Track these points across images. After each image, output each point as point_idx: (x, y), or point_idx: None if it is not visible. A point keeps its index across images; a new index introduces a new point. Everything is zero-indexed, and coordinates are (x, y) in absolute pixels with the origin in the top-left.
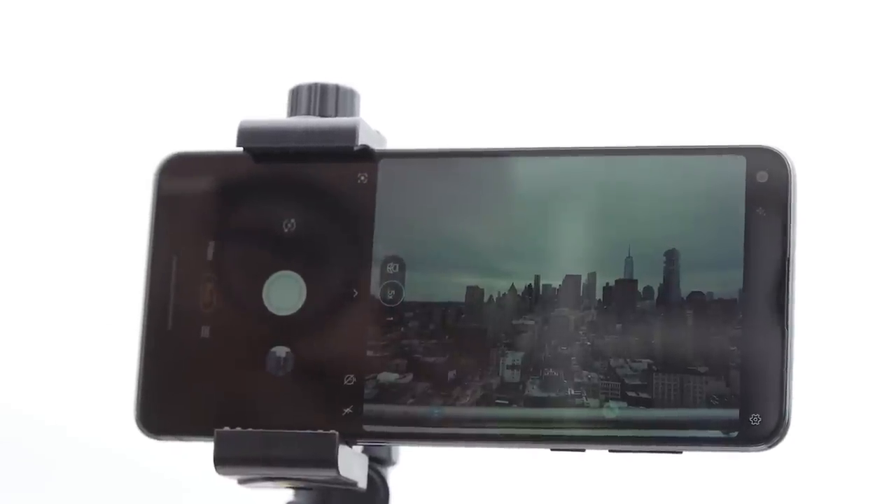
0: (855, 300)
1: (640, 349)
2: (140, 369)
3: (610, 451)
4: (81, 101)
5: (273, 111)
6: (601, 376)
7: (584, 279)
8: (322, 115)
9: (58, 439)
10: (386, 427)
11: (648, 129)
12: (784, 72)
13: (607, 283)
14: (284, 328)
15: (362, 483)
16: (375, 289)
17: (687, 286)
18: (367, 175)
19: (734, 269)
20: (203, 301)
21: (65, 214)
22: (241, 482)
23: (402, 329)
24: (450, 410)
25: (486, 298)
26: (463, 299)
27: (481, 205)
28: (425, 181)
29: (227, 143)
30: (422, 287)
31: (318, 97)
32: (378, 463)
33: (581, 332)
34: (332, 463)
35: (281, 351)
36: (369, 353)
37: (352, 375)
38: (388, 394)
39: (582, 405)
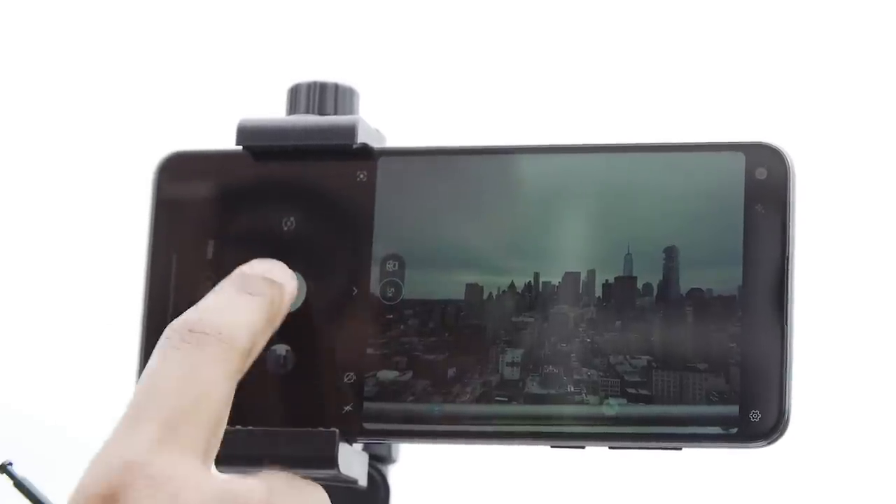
0: (854, 297)
1: (640, 346)
2: (140, 369)
3: (610, 447)
4: (81, 100)
5: (272, 110)
6: (601, 373)
7: (583, 276)
8: (321, 113)
9: (58, 439)
10: (386, 425)
11: (648, 126)
12: (783, 69)
13: (607, 281)
14: (284, 326)
15: (363, 481)
16: (375, 287)
17: (686, 283)
18: (366, 173)
19: (733, 266)
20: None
21: (64, 214)
22: None
23: (402, 327)
24: (450, 408)
25: (485, 296)
26: (462, 297)
27: (481, 202)
28: (425, 179)
29: (227, 141)
30: (421, 285)
31: (318, 96)
32: (378, 461)
33: (580, 330)
34: (333, 461)
35: (281, 349)
36: (369, 350)
37: (352, 373)
38: (388, 391)
39: (582, 402)
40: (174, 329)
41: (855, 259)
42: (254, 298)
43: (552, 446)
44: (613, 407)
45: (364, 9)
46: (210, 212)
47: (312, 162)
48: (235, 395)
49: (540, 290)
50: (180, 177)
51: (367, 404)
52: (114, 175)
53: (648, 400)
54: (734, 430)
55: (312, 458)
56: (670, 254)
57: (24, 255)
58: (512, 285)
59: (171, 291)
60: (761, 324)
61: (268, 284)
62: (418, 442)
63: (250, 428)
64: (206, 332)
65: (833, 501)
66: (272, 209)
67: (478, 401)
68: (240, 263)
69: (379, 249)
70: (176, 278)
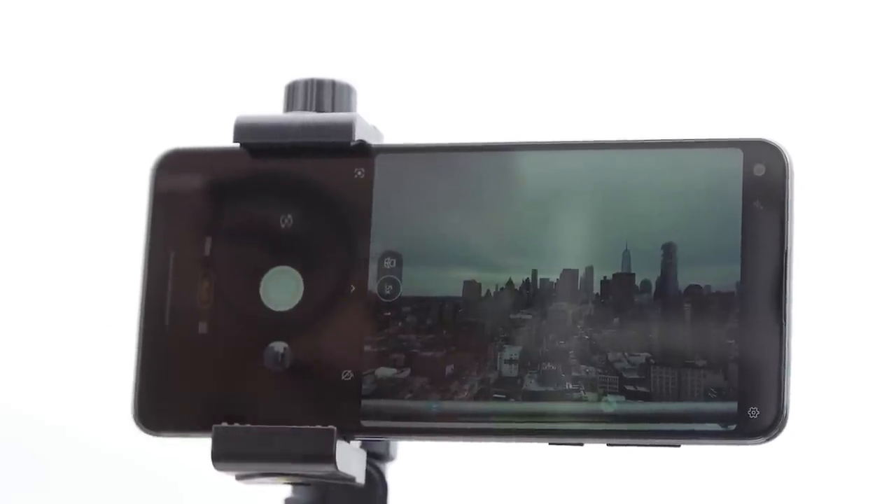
0: (853, 293)
1: (638, 343)
2: (137, 366)
3: (608, 444)
4: (78, 97)
5: (269, 107)
6: (599, 370)
7: (581, 273)
8: (318, 110)
9: (57, 439)
10: (384, 422)
11: (645, 122)
12: (780, 64)
13: (605, 277)
14: (282, 324)
15: (360, 478)
16: (373, 284)
17: (684, 280)
18: (363, 170)
19: (732, 263)
20: (200, 297)
21: (62, 212)
22: (238, 478)
23: (400, 324)
24: (448, 405)
25: (483, 293)
26: (460, 294)
27: (478, 199)
28: (422, 176)
29: (224, 138)
30: (419, 282)
31: (315, 92)
32: (376, 458)
33: (579, 326)
34: (330, 458)
35: (278, 346)
36: (367, 348)
37: (349, 371)
38: (385, 389)
39: (580, 399)
40: None
41: (854, 255)
42: None
43: (550, 443)
44: (612, 404)
45: (361, 5)
46: (207, 209)
47: (310, 159)
48: (233, 392)
49: (538, 287)
50: (178, 174)
51: (364, 402)
52: (111, 172)
53: (647, 397)
54: (732, 427)
55: (310, 456)
56: (668, 250)
57: (20, 253)
58: (510, 282)
59: (168, 289)
60: (760, 320)
61: None
62: (416, 439)
63: (248, 425)
64: None
65: (832, 498)
66: (269, 206)
67: (476, 398)
68: (237, 260)
69: (376, 246)
70: (173, 275)
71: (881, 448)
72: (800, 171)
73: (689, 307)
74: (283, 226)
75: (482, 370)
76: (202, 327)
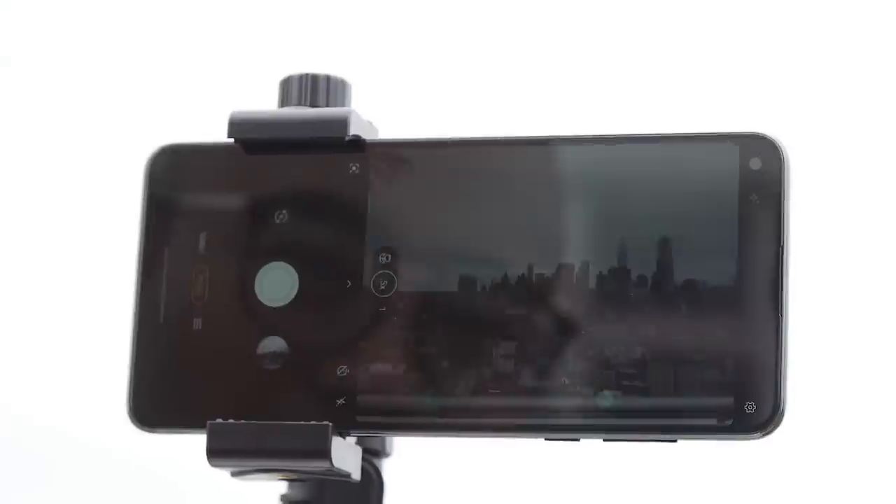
0: (850, 287)
1: (634, 338)
2: (132, 362)
3: (604, 439)
4: (72, 93)
5: (264, 102)
6: (595, 365)
7: (577, 268)
8: (313, 105)
9: (57, 439)
10: (379, 418)
11: (641, 117)
12: (776, 59)
13: (600, 272)
14: (277, 319)
15: (356, 475)
16: (368, 279)
17: (681, 274)
18: (358, 165)
19: (728, 257)
20: (195, 293)
21: (54, 209)
22: (234, 474)
23: (396, 319)
24: (443, 400)
25: (479, 288)
26: (456, 289)
27: (473, 194)
28: (417, 171)
29: (218, 134)
30: (414, 277)
31: (309, 88)
32: (372, 455)
33: (575, 321)
34: (326, 454)
35: (273, 342)
36: (362, 343)
37: (345, 366)
38: (381, 384)
39: (576, 394)
40: None
41: (850, 249)
42: None
43: (546, 439)
44: (608, 399)
45: (356, 0)
46: (202, 205)
47: (304, 154)
48: (229, 388)
49: (534, 282)
50: (172, 169)
51: (360, 397)
52: (105, 169)
53: (643, 392)
54: (729, 422)
55: (305, 452)
56: (664, 245)
57: (16, 251)
58: (505, 277)
59: (163, 285)
60: (756, 315)
61: None
62: (412, 435)
63: (243, 421)
64: None
65: (829, 493)
66: (264, 202)
67: (472, 393)
68: (232, 256)
69: (372, 242)
70: (168, 271)
71: (878, 443)
72: (796, 165)
73: (685, 302)
74: (277, 221)
75: (478, 365)
76: (197, 323)
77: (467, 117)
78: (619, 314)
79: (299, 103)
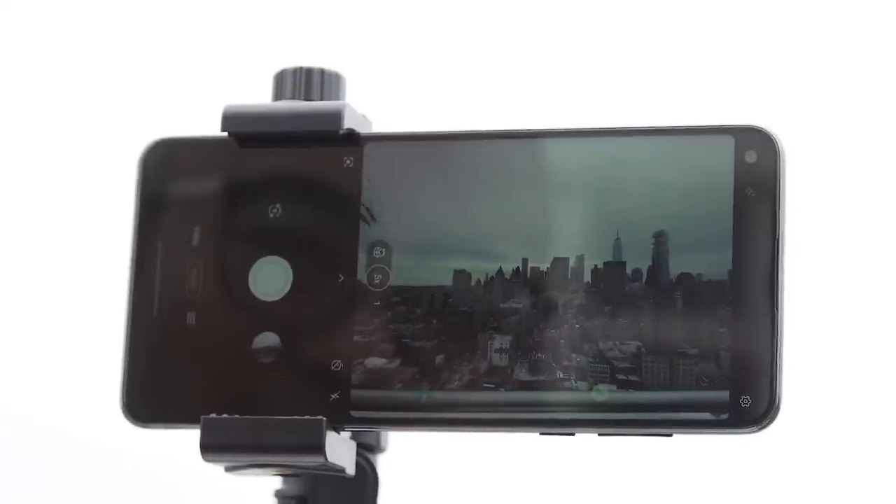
0: (846, 281)
1: (629, 332)
2: (126, 357)
3: (599, 434)
4: (65, 88)
5: (258, 96)
6: (590, 359)
7: (572, 262)
8: (307, 99)
9: (57, 439)
10: (374, 412)
11: (636, 110)
12: (772, 51)
13: (595, 266)
14: (271, 314)
15: (350, 470)
16: (362, 273)
17: (676, 268)
18: (352, 159)
19: (723, 250)
20: (188, 287)
21: (47, 205)
22: (228, 469)
23: (390, 313)
24: (438, 395)
25: (473, 282)
26: (450, 283)
27: (468, 188)
28: (412, 165)
29: (212, 128)
30: (409, 271)
31: (303, 81)
32: (367, 450)
33: (569, 315)
34: (320, 449)
35: (267, 337)
36: (356, 338)
37: (339, 361)
38: (375, 379)
39: (571, 388)
40: None
41: (846, 243)
42: None
43: (541, 433)
44: (603, 393)
45: None
46: (195, 199)
47: (298, 148)
48: (222, 383)
49: (528, 275)
50: (165, 164)
51: (354, 392)
52: (99, 163)
53: (638, 386)
54: (725, 416)
55: (299, 447)
56: (660, 238)
57: (11, 248)
58: (500, 271)
59: (156, 279)
60: (752, 308)
61: None
62: (406, 430)
63: (236, 416)
64: None
65: (825, 487)
66: (258, 196)
67: (466, 388)
68: (226, 250)
69: (366, 236)
70: (161, 266)
71: (874, 437)
72: (792, 158)
73: (680, 295)
74: (271, 215)
75: (472, 360)
76: (190, 318)
77: (461, 111)
78: (614, 308)
79: (293, 97)
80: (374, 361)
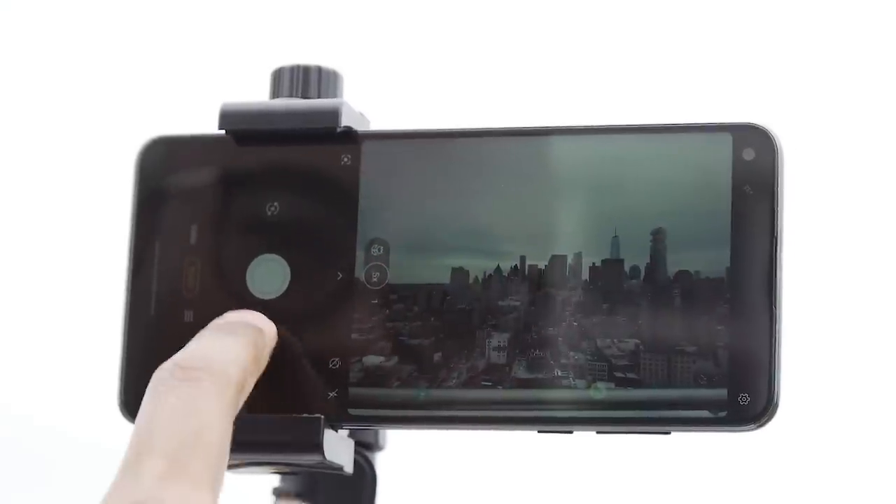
0: (844, 278)
1: (627, 329)
2: (123, 354)
3: (597, 432)
4: (62, 86)
5: (255, 94)
6: (588, 357)
7: (570, 259)
8: (305, 97)
9: (57, 439)
10: (372, 410)
11: (634, 107)
12: (770, 49)
13: (593, 263)
14: (268, 312)
15: (349, 467)
16: (360, 271)
17: (674, 265)
18: (350, 157)
19: (721, 248)
20: (186, 285)
21: (45, 204)
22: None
23: (387, 311)
24: (436, 393)
25: (471, 280)
26: (448, 281)
27: (466, 185)
28: (409, 162)
29: (210, 126)
30: (406, 269)
31: (301, 79)
32: (365, 448)
33: (567, 313)
34: (318, 447)
35: None
36: (354, 335)
37: (337, 359)
38: (373, 377)
39: (569, 386)
40: (164, 370)
41: (845, 240)
42: (237, 338)
43: (539, 431)
44: (601, 391)
45: None
46: (193, 197)
47: (296, 146)
48: None
49: (526, 273)
50: (162, 162)
51: (352, 390)
52: (96, 161)
53: (636, 383)
54: (723, 414)
55: (297, 445)
56: (658, 236)
57: (9, 248)
58: (498, 269)
59: (154, 277)
60: (750, 306)
61: (248, 327)
62: (404, 427)
63: None
64: (198, 369)
65: (823, 485)
66: (256, 193)
67: (464, 386)
68: (223, 248)
69: (363, 234)
70: (159, 264)
71: (872, 434)
72: (789, 156)
73: (678, 293)
74: (269, 213)
75: (470, 358)
76: (188, 315)
77: (458, 109)
78: (612, 305)
79: (291, 95)
80: (372, 359)
